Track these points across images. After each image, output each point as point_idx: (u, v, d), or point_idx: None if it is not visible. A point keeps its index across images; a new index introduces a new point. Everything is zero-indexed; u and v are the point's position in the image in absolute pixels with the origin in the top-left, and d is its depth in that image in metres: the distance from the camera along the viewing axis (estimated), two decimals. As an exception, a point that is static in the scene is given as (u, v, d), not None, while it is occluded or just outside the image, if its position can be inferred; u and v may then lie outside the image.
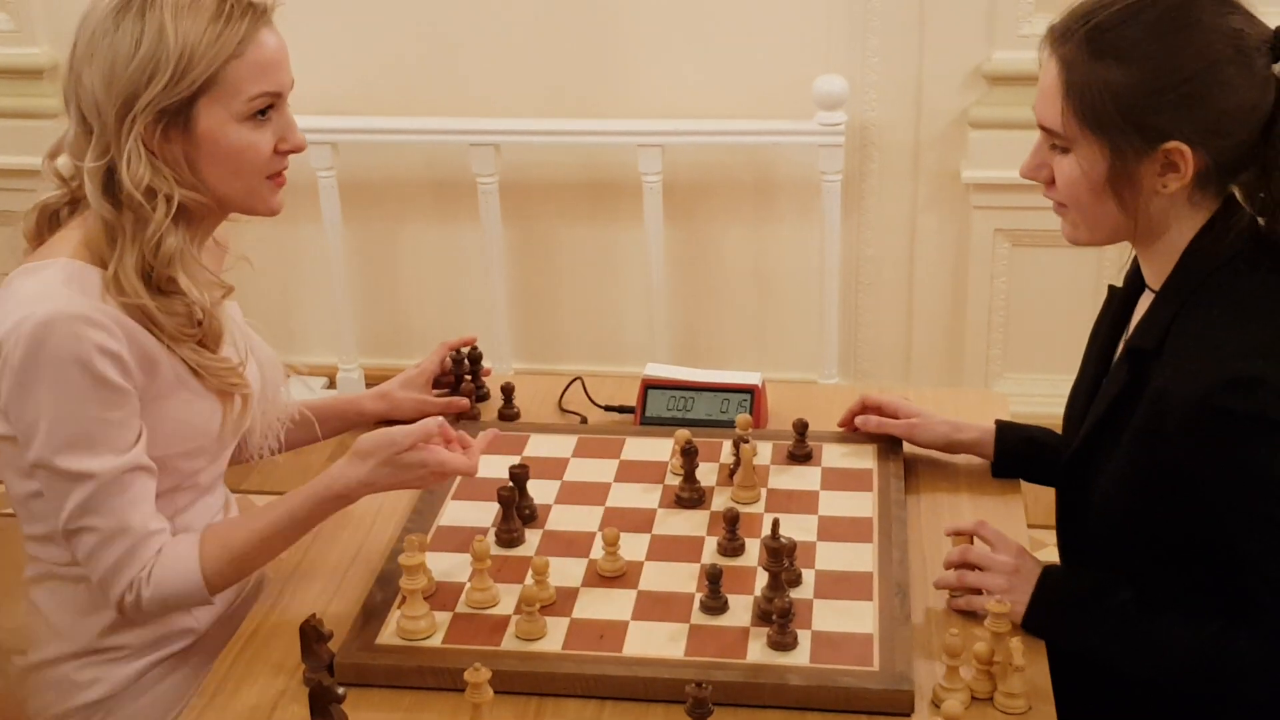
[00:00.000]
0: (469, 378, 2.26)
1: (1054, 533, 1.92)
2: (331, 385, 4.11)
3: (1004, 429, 2.05)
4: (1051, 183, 1.75)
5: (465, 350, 2.27)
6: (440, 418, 1.83)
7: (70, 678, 1.87)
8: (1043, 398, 3.55)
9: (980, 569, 1.76)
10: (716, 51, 3.75)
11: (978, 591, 1.75)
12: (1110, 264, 3.69)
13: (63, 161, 1.82)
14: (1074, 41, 1.66)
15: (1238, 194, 1.71)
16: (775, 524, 1.73)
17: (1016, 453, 2.03)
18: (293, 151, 1.84)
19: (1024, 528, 1.93)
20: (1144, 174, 1.66)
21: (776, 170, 3.83)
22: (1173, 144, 1.63)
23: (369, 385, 4.02)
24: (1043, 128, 1.72)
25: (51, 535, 1.81)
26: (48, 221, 1.84)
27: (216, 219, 1.87)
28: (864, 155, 3.79)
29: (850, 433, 2.12)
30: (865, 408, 2.12)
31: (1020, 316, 3.84)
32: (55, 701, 1.89)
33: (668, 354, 3.84)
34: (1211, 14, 1.63)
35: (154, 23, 1.70)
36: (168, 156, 1.75)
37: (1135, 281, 1.83)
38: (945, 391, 2.64)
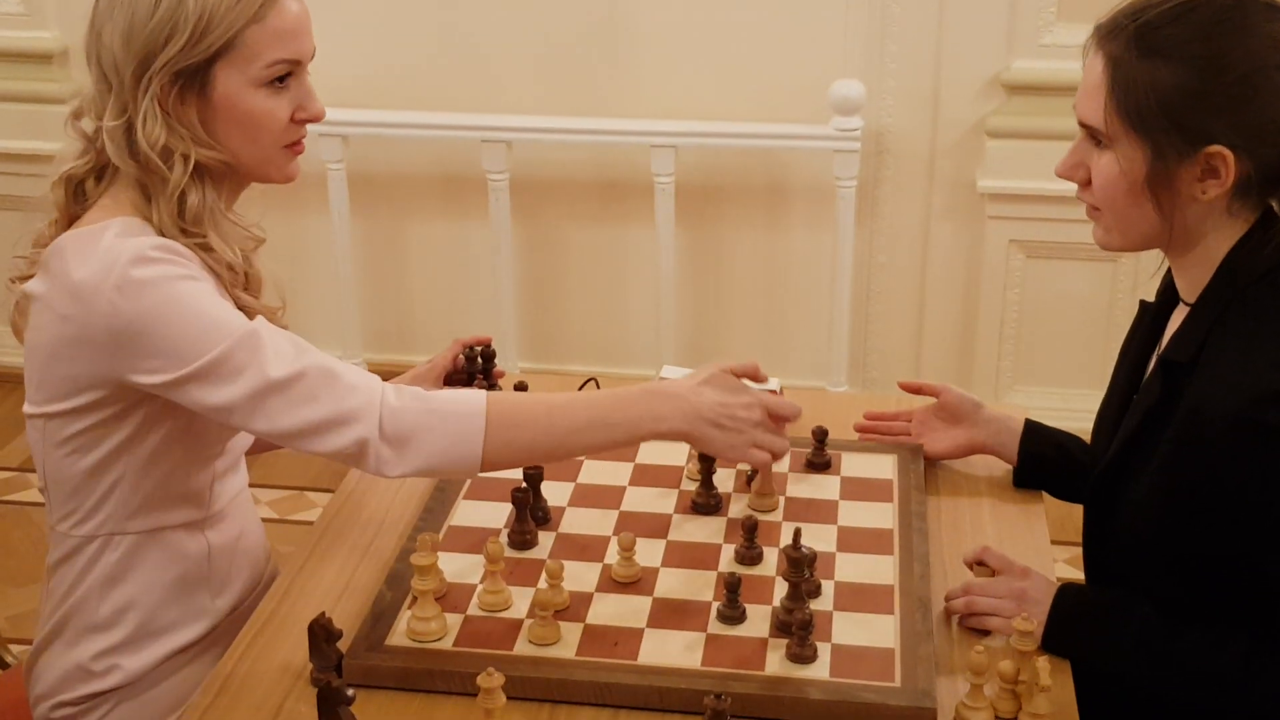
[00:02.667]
0: (481, 376, 2.22)
1: (1062, 548, 1.89)
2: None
3: (1032, 431, 2.02)
4: (1087, 184, 1.71)
5: (478, 348, 2.23)
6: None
7: (85, 666, 1.83)
8: (1054, 411, 3.51)
9: (986, 596, 1.73)
10: (732, 53, 3.72)
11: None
12: (1125, 277, 3.67)
13: (86, 123, 1.79)
14: (1122, 38, 1.63)
15: (1277, 208, 1.67)
16: (797, 533, 1.69)
17: (1042, 457, 2.00)
18: (310, 121, 1.81)
19: (1046, 542, 1.89)
20: (1183, 178, 1.62)
21: (790, 174, 3.80)
22: (1215, 148, 1.59)
23: (373, 381, 4.01)
24: (1084, 124, 1.68)
25: (83, 510, 1.76)
26: (74, 193, 1.80)
27: (240, 179, 1.84)
28: (879, 162, 3.76)
29: (867, 439, 2.11)
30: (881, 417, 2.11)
31: (1032, 329, 3.81)
32: (65, 688, 1.84)
33: (675, 357, 3.81)
34: (1262, 19, 1.60)
35: None
36: (183, 118, 1.73)
37: (1168, 295, 1.80)
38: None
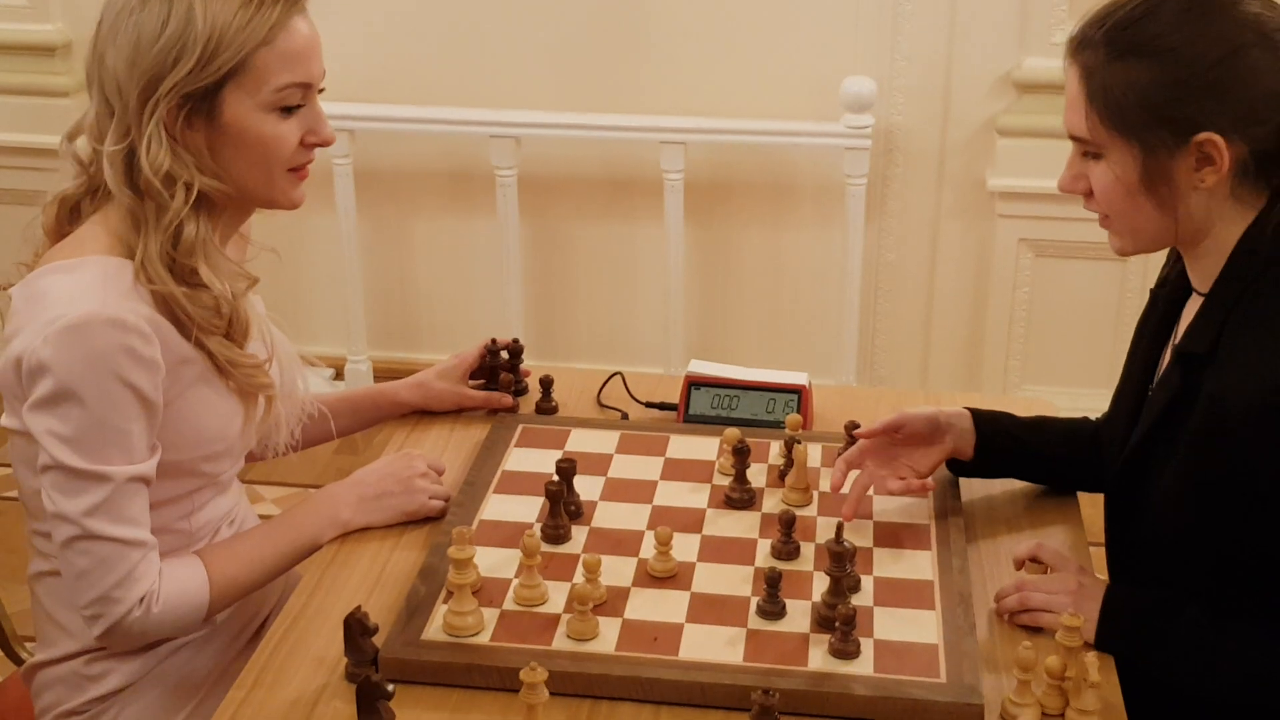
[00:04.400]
0: (508, 372, 2.20)
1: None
2: (339, 377, 4.04)
3: (982, 420, 1.94)
4: (1090, 194, 1.70)
5: (503, 347, 2.21)
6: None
7: (79, 672, 1.81)
8: (1062, 411, 3.49)
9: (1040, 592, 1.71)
10: (743, 49, 3.70)
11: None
12: (1134, 277, 3.66)
13: (81, 144, 1.76)
14: (1092, 46, 1.64)
15: None
16: (839, 528, 1.68)
17: (999, 447, 1.94)
18: (320, 145, 1.78)
19: (1084, 538, 1.88)
20: (1179, 171, 1.62)
21: (799, 171, 3.78)
22: (1204, 135, 1.59)
23: (377, 378, 3.99)
24: (1074, 138, 1.69)
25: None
26: (68, 214, 1.78)
27: (241, 211, 1.82)
28: (889, 159, 3.74)
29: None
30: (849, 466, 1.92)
31: (1041, 328, 3.80)
32: (66, 696, 1.82)
33: (683, 354, 3.79)
34: (1230, 1, 1.60)
35: (183, 3, 1.65)
36: (190, 144, 1.69)
37: (1180, 285, 1.78)
38: (992, 399, 2.59)
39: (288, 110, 1.72)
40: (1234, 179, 1.62)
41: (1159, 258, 3.68)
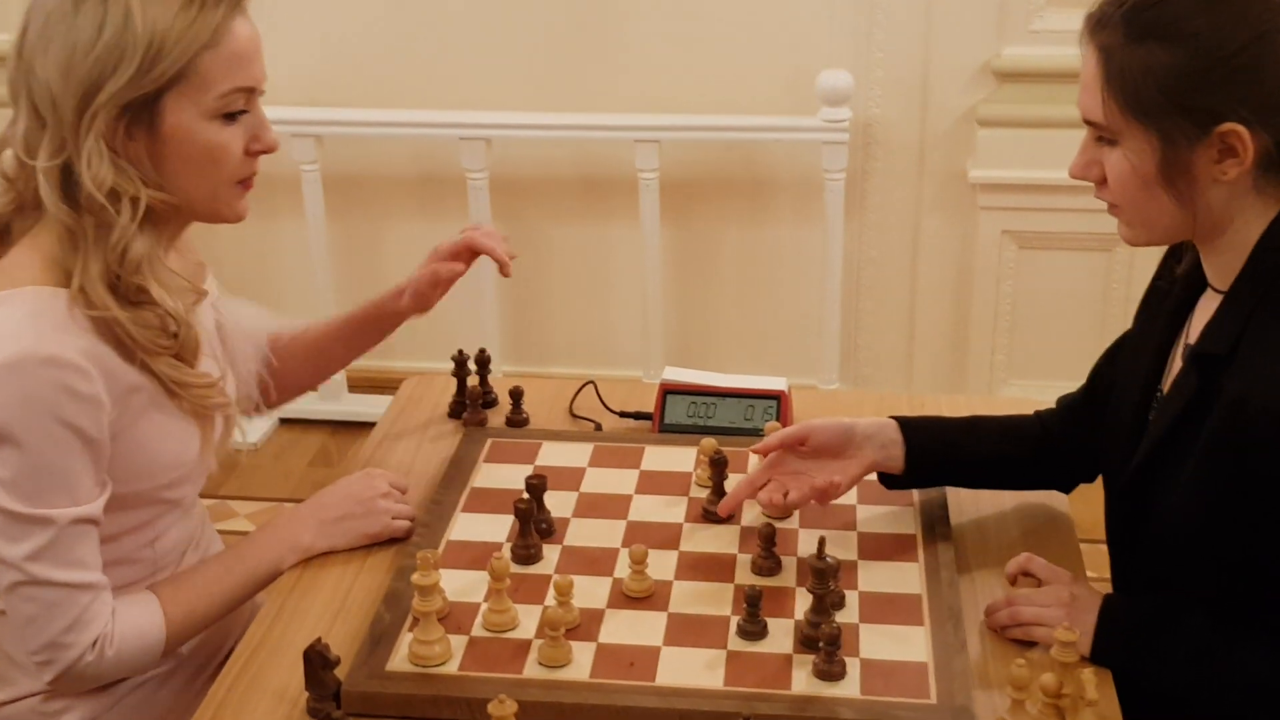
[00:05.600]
0: (477, 384, 2.13)
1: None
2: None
3: (910, 429, 1.84)
4: (1103, 181, 1.62)
5: (469, 356, 2.15)
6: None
7: (38, 709, 1.73)
8: (1049, 405, 3.45)
9: (1032, 605, 1.64)
10: (716, 44, 3.62)
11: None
12: (1120, 266, 3.59)
13: (8, 157, 1.64)
14: (1111, 26, 1.54)
15: None
16: (822, 542, 1.60)
17: (930, 452, 1.83)
18: (264, 152, 1.69)
19: (1077, 546, 1.81)
20: (1199, 162, 1.53)
21: (777, 168, 3.71)
22: (1227, 126, 1.50)
23: (352, 387, 3.91)
24: (1088, 122, 1.60)
25: None
26: None
27: (183, 221, 1.72)
28: (867, 153, 3.67)
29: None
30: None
31: (1026, 321, 3.73)
32: None
33: (662, 357, 3.72)
34: None
35: (118, 7, 1.55)
36: (131, 155, 1.60)
37: (1192, 280, 1.70)
38: (979, 394, 2.52)
39: (231, 117, 1.63)
40: (1257, 172, 1.54)
41: (1146, 250, 3.61)
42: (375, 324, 2.09)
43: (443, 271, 2.02)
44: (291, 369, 2.04)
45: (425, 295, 2.04)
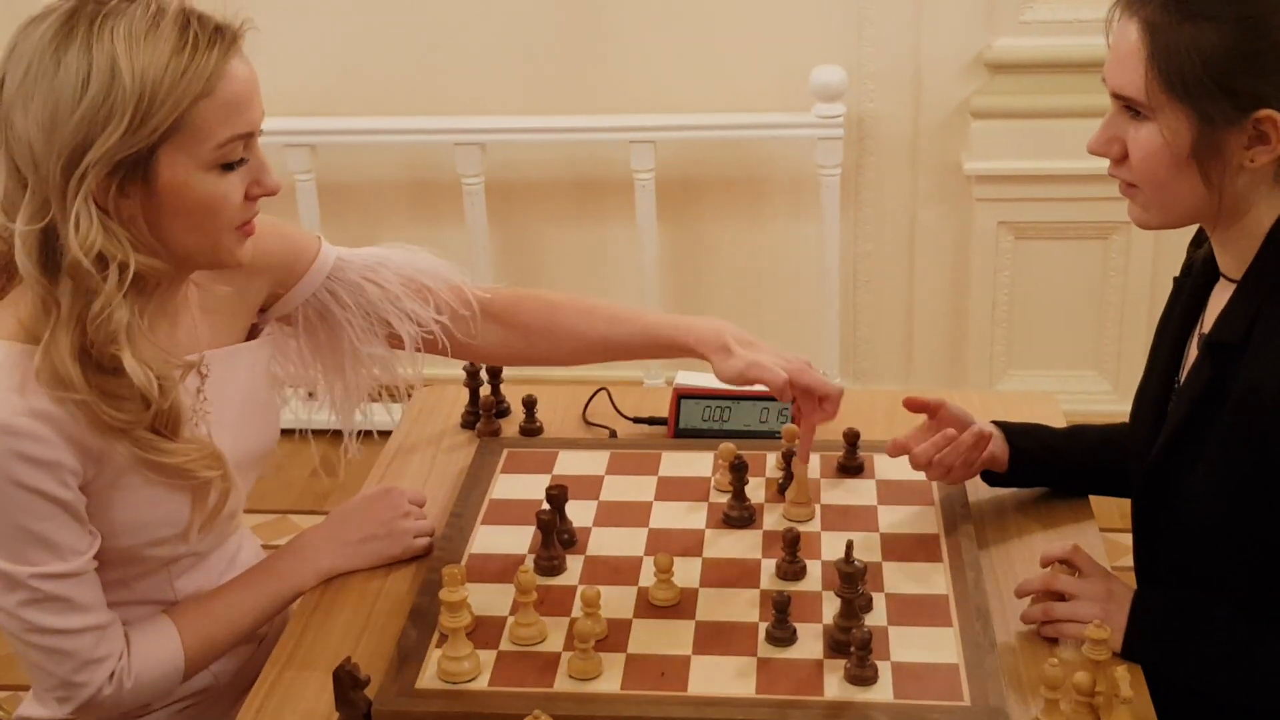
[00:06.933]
0: (489, 393, 2.12)
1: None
2: (311, 396, 3.94)
3: (1013, 434, 1.88)
4: (1122, 159, 1.61)
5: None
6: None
7: None
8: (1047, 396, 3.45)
9: (1066, 597, 1.63)
10: (708, 43, 3.62)
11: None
12: (1117, 255, 3.59)
13: None
14: (1156, 2, 1.53)
15: None
16: (849, 546, 1.60)
17: (1032, 455, 1.87)
18: (266, 195, 1.58)
19: (1099, 542, 1.81)
20: (1231, 145, 1.53)
21: (772, 165, 3.71)
22: (1265, 112, 1.50)
23: (351, 396, 3.89)
24: (1119, 96, 1.58)
25: None
26: None
27: (172, 284, 1.60)
28: (862, 148, 3.67)
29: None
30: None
31: (1024, 312, 3.73)
32: None
33: (661, 360, 3.70)
34: None
35: (104, 56, 1.43)
36: (124, 215, 1.48)
37: (1205, 270, 1.70)
38: (990, 395, 2.51)
39: (229, 166, 1.52)
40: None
41: (1143, 237, 3.61)
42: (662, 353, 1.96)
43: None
44: (516, 331, 2.02)
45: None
